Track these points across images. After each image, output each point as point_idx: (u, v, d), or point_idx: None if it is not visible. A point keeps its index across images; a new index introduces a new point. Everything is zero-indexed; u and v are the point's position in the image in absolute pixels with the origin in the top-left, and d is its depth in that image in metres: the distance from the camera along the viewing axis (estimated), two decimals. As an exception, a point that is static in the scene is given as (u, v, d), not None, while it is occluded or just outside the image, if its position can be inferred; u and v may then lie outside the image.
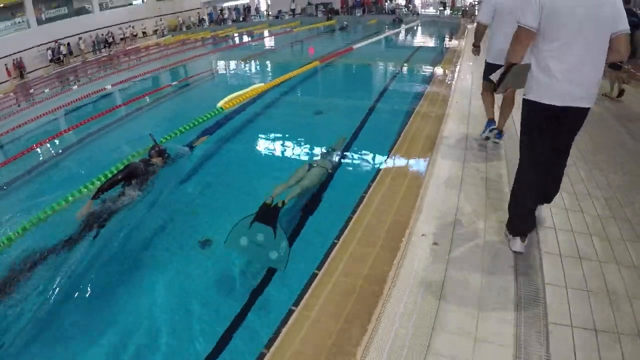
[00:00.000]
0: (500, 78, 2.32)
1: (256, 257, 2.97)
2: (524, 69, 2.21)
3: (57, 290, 2.73)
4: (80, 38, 20.61)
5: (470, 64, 7.77)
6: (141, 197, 3.69)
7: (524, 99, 2.25)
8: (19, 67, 17.86)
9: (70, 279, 2.84)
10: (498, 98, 4.01)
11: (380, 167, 3.85)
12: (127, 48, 20.93)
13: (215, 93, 8.19)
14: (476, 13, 15.84)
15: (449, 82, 6.62)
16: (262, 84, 7.25)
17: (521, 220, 2.43)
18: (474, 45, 4.09)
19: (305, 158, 4.68)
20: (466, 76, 6.85)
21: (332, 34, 17.28)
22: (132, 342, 2.42)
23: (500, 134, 3.94)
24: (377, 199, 3.22)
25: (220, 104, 5.25)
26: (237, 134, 5.63)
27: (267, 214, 3.02)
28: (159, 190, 3.90)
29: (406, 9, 22.31)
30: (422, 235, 2.63)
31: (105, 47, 21.84)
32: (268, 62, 11.76)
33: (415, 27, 17.39)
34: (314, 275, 2.41)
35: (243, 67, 11.06)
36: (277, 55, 13.03)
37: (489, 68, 3.65)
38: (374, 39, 13.27)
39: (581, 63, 2.05)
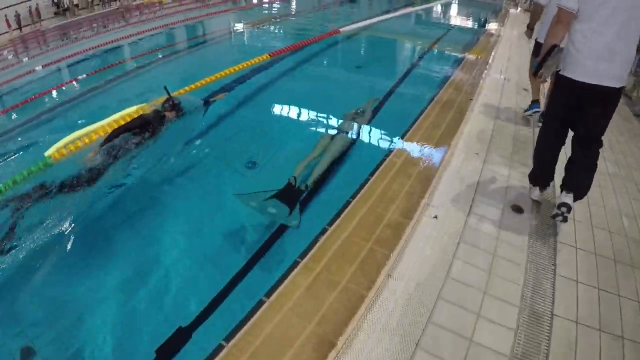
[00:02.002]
0: (543, 60, 2.49)
1: (262, 213, 3.05)
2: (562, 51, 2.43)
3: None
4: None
5: (508, 53, 7.37)
6: (148, 148, 3.78)
7: (557, 74, 2.50)
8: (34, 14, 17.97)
9: (69, 222, 2.98)
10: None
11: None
12: (135, 2, 20.64)
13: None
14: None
15: (479, 71, 6.27)
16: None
17: (541, 172, 2.90)
18: (528, 27, 4.48)
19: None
20: (500, 67, 6.49)
21: (346, 6, 15.99)
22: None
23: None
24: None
25: (49, 152, 3.84)
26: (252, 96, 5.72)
27: (289, 195, 3.14)
28: (167, 143, 3.99)
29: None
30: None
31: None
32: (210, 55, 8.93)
33: (449, 5, 16.46)
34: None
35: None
36: (239, 40, 10.21)
37: (538, 47, 4.00)
38: (380, 18, 11.43)
39: (613, 44, 2.23)
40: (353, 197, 3.00)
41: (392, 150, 3.75)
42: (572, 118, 2.54)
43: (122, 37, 10.24)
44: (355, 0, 16.96)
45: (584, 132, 2.55)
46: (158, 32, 11.03)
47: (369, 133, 4.45)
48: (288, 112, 5.26)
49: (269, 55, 6.84)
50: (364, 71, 7.07)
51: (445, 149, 3.71)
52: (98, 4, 21.15)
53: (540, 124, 2.98)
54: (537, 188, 2.98)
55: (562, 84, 2.47)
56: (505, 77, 5.97)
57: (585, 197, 2.80)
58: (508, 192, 3.13)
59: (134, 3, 20.64)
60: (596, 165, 2.60)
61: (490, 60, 6.76)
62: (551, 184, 3.08)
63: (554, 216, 2.66)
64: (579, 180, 2.62)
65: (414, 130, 4.16)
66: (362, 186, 3.13)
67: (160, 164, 3.86)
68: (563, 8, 2.31)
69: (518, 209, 2.93)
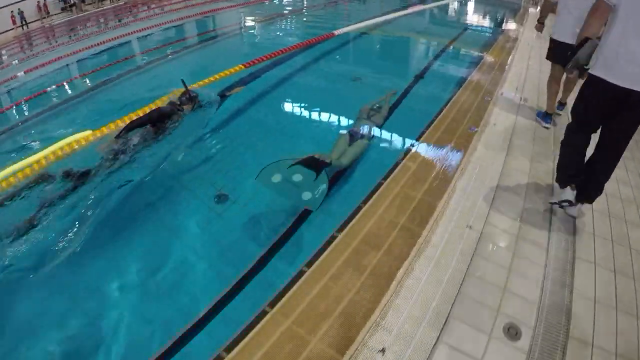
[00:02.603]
0: (573, 52, 2.32)
1: (287, 194, 2.86)
2: (594, 45, 2.23)
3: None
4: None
5: (526, 63, 6.25)
6: (163, 141, 3.73)
7: (589, 74, 2.28)
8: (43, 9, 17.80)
9: (82, 211, 2.92)
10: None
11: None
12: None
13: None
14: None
15: (488, 88, 5.19)
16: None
17: (570, 166, 2.59)
18: (538, 21, 4.30)
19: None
20: (516, 83, 5.41)
21: (355, 3, 14.11)
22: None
23: (562, 106, 4.19)
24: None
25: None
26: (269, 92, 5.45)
27: (313, 163, 2.98)
28: (181, 136, 3.89)
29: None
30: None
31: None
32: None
33: (463, 3, 14.74)
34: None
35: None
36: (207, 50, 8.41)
37: (553, 45, 3.82)
38: (387, 17, 10.12)
39: None
40: (272, 305, 2.07)
41: (345, 226, 2.61)
42: (603, 124, 2.40)
43: (128, 33, 9.88)
44: None
45: (610, 141, 2.41)
46: (160, 29, 10.43)
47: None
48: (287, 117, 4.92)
49: (244, 65, 5.88)
50: (364, 77, 6.15)
51: (429, 217, 2.66)
52: (106, -1, 20.72)
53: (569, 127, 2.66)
54: (568, 187, 2.60)
55: (592, 84, 2.29)
56: (521, 96, 4.87)
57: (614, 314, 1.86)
58: (505, 300, 2.14)
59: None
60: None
61: (504, 74, 5.64)
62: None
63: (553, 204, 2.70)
64: (596, 187, 2.55)
65: (387, 186, 3.08)
66: (286, 291, 2.15)
67: (174, 156, 3.72)
68: (603, 1, 2.17)
69: (514, 332, 1.98)
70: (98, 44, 9.11)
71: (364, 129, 3.99)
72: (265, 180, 2.83)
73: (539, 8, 11.88)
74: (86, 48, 8.87)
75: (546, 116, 4.04)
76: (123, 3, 19.55)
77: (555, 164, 2.86)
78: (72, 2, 19.45)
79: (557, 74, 3.88)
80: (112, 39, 9.44)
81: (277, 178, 2.83)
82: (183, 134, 3.93)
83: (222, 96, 4.87)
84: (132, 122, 3.72)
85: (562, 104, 4.17)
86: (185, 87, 4.28)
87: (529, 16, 10.02)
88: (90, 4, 20.13)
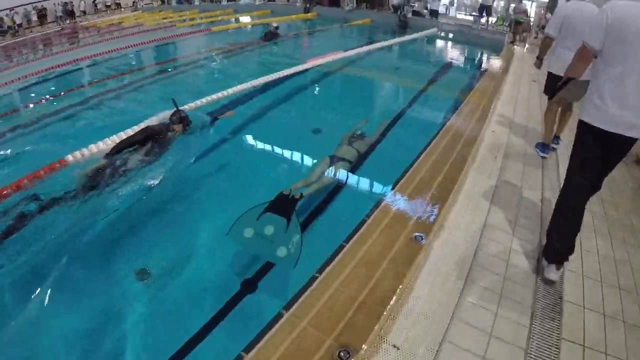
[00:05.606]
0: (558, 88, 2.52)
1: (262, 251, 2.78)
2: (582, 84, 2.38)
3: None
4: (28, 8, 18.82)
5: (510, 117, 5.03)
6: (153, 163, 3.63)
7: (579, 120, 2.30)
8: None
9: (67, 237, 2.86)
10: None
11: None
12: (85, 23, 18.88)
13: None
14: (530, 29, 13.03)
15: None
16: None
17: (561, 242, 2.38)
18: (537, 57, 4.39)
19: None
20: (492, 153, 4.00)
21: (264, 51, 10.58)
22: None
23: (557, 139, 4.28)
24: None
25: None
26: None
27: (283, 205, 2.96)
28: (172, 159, 3.76)
29: (425, 9, 15.41)
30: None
31: (67, 19, 20.15)
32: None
33: (426, 41, 12.22)
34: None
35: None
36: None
37: (550, 78, 4.00)
38: (310, 65, 7.82)
39: (637, 91, 2.05)
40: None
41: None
42: (597, 169, 2.28)
43: (60, 65, 8.78)
44: (276, 37, 11.24)
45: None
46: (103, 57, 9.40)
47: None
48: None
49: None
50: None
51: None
52: (53, 22, 19.78)
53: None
54: (554, 265, 2.36)
55: (584, 132, 2.27)
56: (496, 155, 3.65)
57: None
58: None
59: (83, 24, 18.94)
60: None
61: (489, 114, 4.41)
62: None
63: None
64: (571, 242, 2.38)
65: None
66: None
67: (168, 179, 3.55)
68: (586, 46, 2.18)
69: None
70: (32, 74, 8.24)
71: (345, 154, 3.98)
72: (237, 236, 2.74)
73: (527, 46, 11.36)
74: (22, 77, 8.07)
75: (544, 146, 4.15)
76: (60, 29, 18.47)
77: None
78: (5, 27, 18.31)
79: (554, 107, 4.02)
80: (50, 68, 8.60)
81: (249, 233, 2.74)
82: (177, 155, 3.82)
83: (214, 119, 4.75)
84: (121, 141, 3.72)
85: (557, 137, 4.26)
86: (176, 106, 4.17)
87: (515, 57, 9.12)
88: (26, 28, 19.07)
